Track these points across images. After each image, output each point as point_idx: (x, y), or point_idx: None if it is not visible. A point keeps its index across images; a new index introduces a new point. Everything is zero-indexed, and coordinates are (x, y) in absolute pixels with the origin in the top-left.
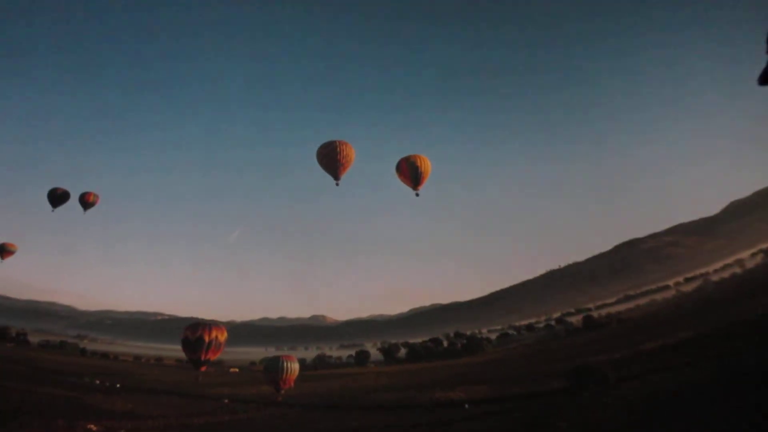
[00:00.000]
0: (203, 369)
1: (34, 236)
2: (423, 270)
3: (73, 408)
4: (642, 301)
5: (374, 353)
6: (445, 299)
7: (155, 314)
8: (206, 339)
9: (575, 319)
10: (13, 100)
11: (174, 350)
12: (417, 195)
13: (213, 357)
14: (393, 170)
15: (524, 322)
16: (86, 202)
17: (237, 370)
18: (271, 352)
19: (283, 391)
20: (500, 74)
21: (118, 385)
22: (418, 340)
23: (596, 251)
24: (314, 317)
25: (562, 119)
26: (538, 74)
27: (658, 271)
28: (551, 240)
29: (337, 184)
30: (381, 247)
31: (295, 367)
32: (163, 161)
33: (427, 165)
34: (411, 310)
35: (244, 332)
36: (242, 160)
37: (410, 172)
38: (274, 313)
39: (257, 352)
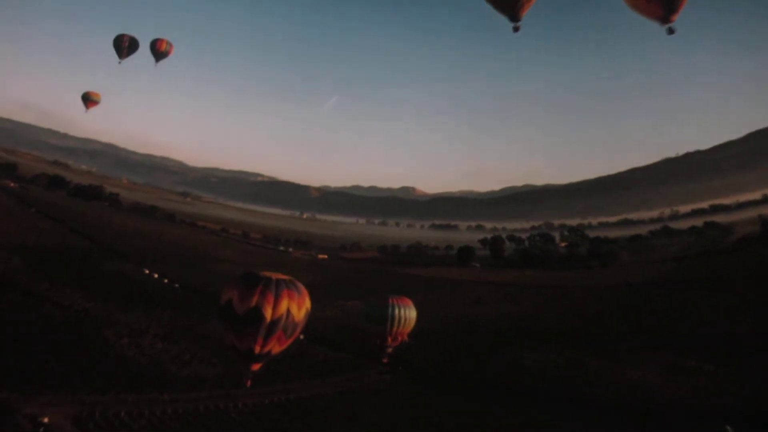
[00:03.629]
0: (256, 368)
1: (151, 90)
2: (517, 148)
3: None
4: None
5: (465, 236)
6: (538, 180)
7: (255, 175)
8: (267, 314)
9: (721, 219)
10: None
11: (268, 214)
12: (671, 30)
13: (278, 348)
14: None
15: (640, 215)
16: (158, 51)
17: (326, 257)
18: (361, 224)
19: (390, 350)
20: None
21: (176, 285)
22: (515, 225)
23: (723, 139)
24: (404, 188)
25: None
26: None
27: None
28: (668, 123)
29: (515, 29)
30: (474, 120)
31: (412, 315)
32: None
33: None
34: (502, 189)
35: (335, 200)
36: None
37: None
38: (365, 181)
39: (348, 226)
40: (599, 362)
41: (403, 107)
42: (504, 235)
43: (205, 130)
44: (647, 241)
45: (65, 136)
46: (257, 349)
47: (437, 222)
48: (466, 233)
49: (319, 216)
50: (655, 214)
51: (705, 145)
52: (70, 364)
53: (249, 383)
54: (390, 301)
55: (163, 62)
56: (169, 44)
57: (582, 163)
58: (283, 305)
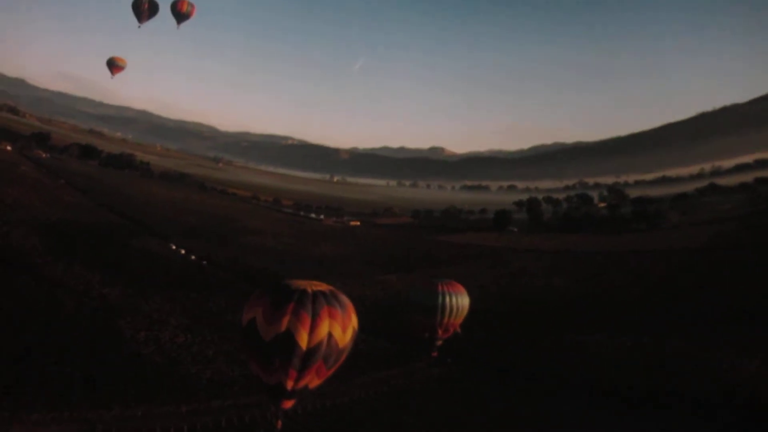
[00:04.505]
0: (289, 405)
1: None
2: (545, 106)
3: None
4: None
5: (498, 198)
6: (568, 138)
7: (285, 138)
8: (302, 340)
9: None
10: None
11: (299, 178)
12: None
13: (317, 382)
14: None
15: (678, 172)
16: (179, 12)
17: (358, 223)
18: (392, 186)
19: (440, 342)
20: None
21: (204, 262)
22: (547, 185)
23: (762, 91)
24: (433, 149)
25: None
26: None
27: None
28: (703, 76)
29: None
30: (501, 80)
31: (465, 303)
32: None
33: None
34: (532, 148)
35: (365, 162)
36: None
37: None
38: (394, 143)
39: (379, 189)
40: (678, 345)
41: (431, 68)
42: (538, 197)
43: (235, 95)
44: (695, 199)
45: (101, 104)
46: (290, 385)
47: (468, 183)
48: (498, 194)
49: (349, 179)
50: (694, 170)
51: (742, 98)
52: (75, 369)
53: (280, 425)
54: (440, 287)
55: (192, 27)
56: (191, 5)
57: (613, 120)
58: (323, 328)
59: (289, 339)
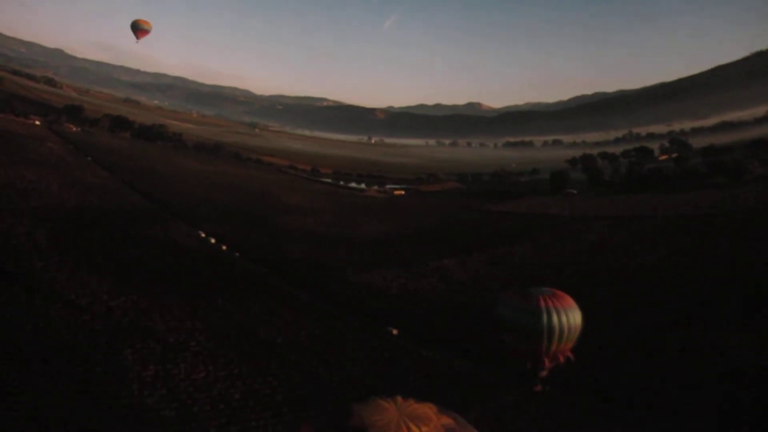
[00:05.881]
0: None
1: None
2: (582, 54)
3: None
4: None
5: (545, 154)
6: (609, 86)
7: (321, 100)
8: None
9: None
10: None
11: (336, 141)
12: None
13: None
14: None
15: (739, 116)
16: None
17: (403, 192)
18: (431, 146)
19: (546, 372)
20: None
21: (236, 254)
22: (595, 137)
23: None
24: (470, 104)
25: None
26: None
27: None
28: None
29: None
30: (536, 30)
31: (576, 321)
32: None
33: None
34: (572, 99)
35: (402, 121)
36: None
37: None
38: (430, 100)
39: (418, 149)
40: None
41: (463, 20)
42: (591, 152)
43: (268, 58)
44: None
45: (137, 72)
46: None
47: (510, 139)
48: (544, 150)
49: (387, 140)
50: (758, 112)
51: None
52: None
53: None
54: (542, 302)
55: None
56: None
57: (656, 66)
58: None
59: None
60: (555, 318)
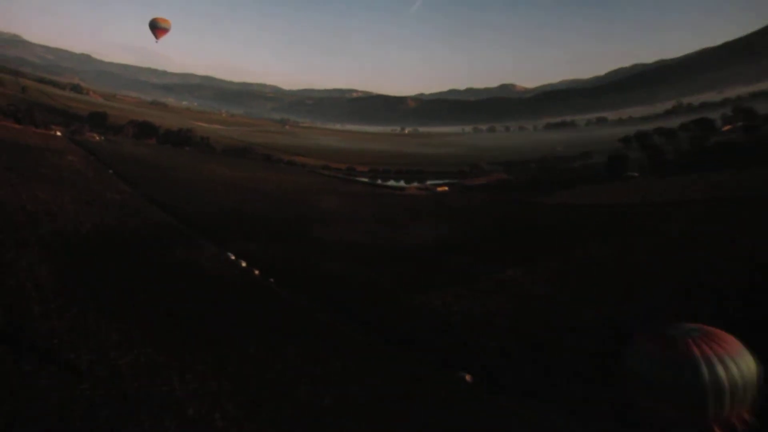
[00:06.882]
0: None
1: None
2: (616, 25)
3: None
4: None
5: (591, 134)
6: (648, 57)
7: (350, 91)
8: None
9: None
10: None
11: (369, 134)
12: None
13: None
14: None
15: None
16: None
17: (446, 188)
18: (467, 133)
19: None
20: None
21: (271, 280)
22: (641, 112)
23: None
24: (503, 86)
25: None
26: None
27: None
28: None
29: None
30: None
31: (752, 371)
32: None
33: None
34: (609, 74)
35: (434, 108)
36: None
37: None
38: (461, 84)
39: (455, 138)
40: None
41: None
42: (642, 128)
43: (295, 51)
44: None
45: (164, 73)
46: None
47: (551, 120)
48: (588, 130)
49: (421, 129)
50: None
51: None
52: None
53: None
54: (695, 349)
55: None
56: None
57: (697, 31)
58: None
59: None
60: (720, 371)
